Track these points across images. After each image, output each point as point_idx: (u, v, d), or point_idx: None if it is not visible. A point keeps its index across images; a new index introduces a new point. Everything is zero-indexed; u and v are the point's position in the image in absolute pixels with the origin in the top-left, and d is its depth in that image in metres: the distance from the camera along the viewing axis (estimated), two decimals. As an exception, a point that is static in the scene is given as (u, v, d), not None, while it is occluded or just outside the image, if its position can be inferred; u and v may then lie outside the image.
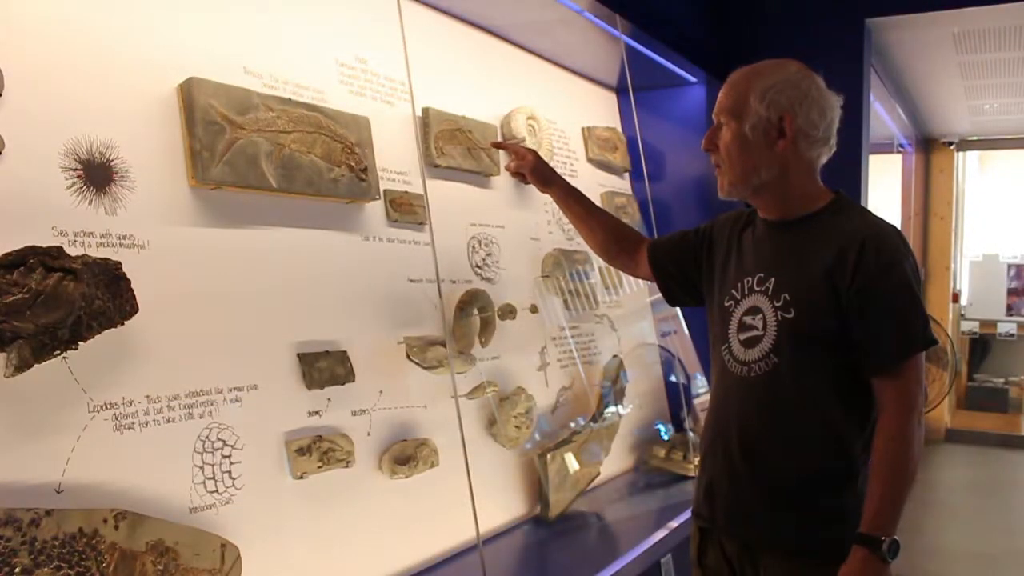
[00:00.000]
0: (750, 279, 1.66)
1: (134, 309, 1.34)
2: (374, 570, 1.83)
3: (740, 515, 1.64)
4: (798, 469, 1.58)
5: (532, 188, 2.61)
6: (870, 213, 1.65)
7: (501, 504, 2.28)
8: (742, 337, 1.64)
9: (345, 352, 1.79)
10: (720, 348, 1.70)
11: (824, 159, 1.64)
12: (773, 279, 1.62)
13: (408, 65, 2.02)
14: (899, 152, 6.24)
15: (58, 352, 1.22)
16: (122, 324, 1.32)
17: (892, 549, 1.45)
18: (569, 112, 2.95)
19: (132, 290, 1.33)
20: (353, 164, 1.83)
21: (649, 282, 3.23)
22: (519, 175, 2.13)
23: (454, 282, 2.21)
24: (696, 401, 3.14)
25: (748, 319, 1.64)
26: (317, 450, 1.69)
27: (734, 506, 1.65)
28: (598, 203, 3.01)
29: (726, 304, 1.70)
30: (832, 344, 1.54)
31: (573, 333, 2.70)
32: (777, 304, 1.59)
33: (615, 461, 2.79)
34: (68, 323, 1.21)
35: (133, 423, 1.40)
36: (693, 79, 3.25)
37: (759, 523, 1.62)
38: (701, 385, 3.21)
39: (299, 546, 1.66)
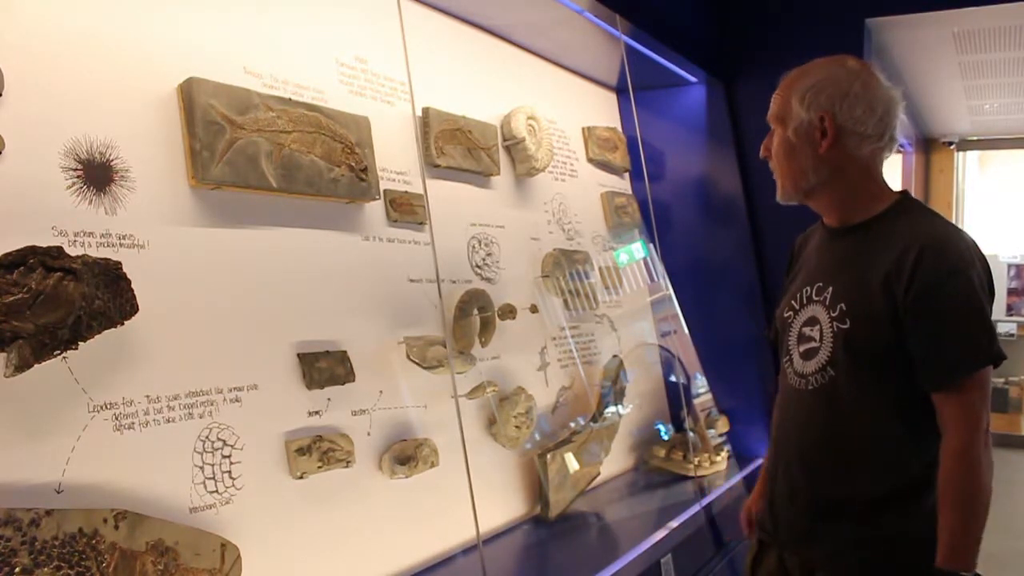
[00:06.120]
0: (809, 289, 1.61)
1: (134, 309, 1.34)
2: (374, 570, 1.83)
3: (800, 532, 1.60)
4: (856, 487, 1.52)
5: (532, 188, 2.62)
6: (936, 215, 1.56)
7: (501, 504, 2.28)
8: (801, 349, 1.60)
9: (345, 352, 1.79)
10: (783, 360, 1.66)
11: (885, 156, 1.57)
12: (831, 288, 1.56)
13: (408, 65, 2.02)
14: (899, 152, 6.24)
15: (58, 352, 1.22)
16: (122, 324, 1.32)
17: None
18: (569, 112, 2.95)
19: (132, 290, 1.33)
20: (353, 164, 1.83)
21: (649, 282, 3.27)
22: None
23: (454, 282, 2.21)
24: (696, 401, 3.14)
25: (807, 330, 1.59)
26: (317, 450, 1.69)
27: (795, 522, 1.61)
28: (598, 203, 3.03)
29: (785, 315, 1.66)
30: (890, 356, 1.47)
31: (573, 333, 2.70)
32: (833, 315, 1.53)
33: (615, 461, 2.79)
34: (68, 323, 1.21)
35: (133, 423, 1.40)
36: (693, 79, 3.25)
37: (819, 541, 1.57)
38: (701, 385, 3.21)
39: (299, 546, 1.66)
